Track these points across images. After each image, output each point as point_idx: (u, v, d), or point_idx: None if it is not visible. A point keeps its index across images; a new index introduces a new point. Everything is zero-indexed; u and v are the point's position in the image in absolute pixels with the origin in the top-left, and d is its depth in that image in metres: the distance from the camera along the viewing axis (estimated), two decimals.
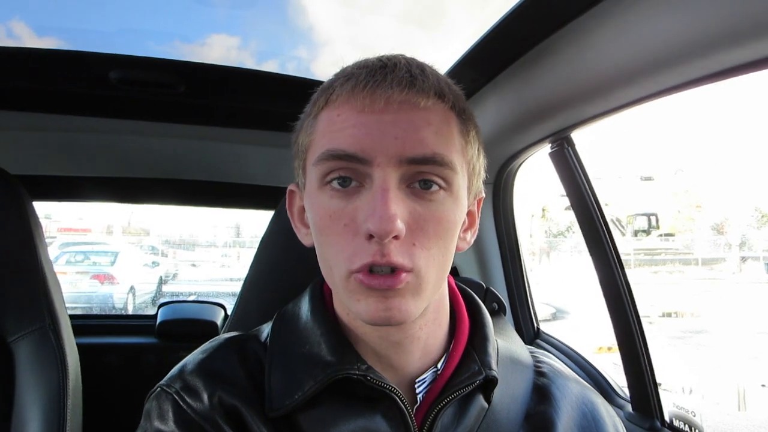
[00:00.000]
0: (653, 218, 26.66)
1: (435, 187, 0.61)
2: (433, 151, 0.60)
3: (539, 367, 0.79)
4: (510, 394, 0.73)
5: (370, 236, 0.57)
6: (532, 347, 0.86)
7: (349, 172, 0.60)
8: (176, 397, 0.65)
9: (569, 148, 1.31)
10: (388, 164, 0.59)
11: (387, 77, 0.60)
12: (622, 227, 25.48)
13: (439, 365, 0.70)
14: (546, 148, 1.38)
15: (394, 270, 0.58)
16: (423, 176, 0.60)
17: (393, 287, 0.58)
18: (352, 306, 0.61)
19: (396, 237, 0.57)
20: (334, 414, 0.65)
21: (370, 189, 0.59)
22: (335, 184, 0.61)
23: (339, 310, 0.71)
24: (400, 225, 0.57)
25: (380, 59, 0.64)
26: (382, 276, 0.58)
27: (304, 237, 0.72)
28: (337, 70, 0.67)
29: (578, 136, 1.31)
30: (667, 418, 1.22)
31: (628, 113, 1.10)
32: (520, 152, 1.49)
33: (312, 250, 0.69)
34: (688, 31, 0.79)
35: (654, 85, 0.95)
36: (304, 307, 0.74)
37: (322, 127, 0.63)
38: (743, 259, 23.25)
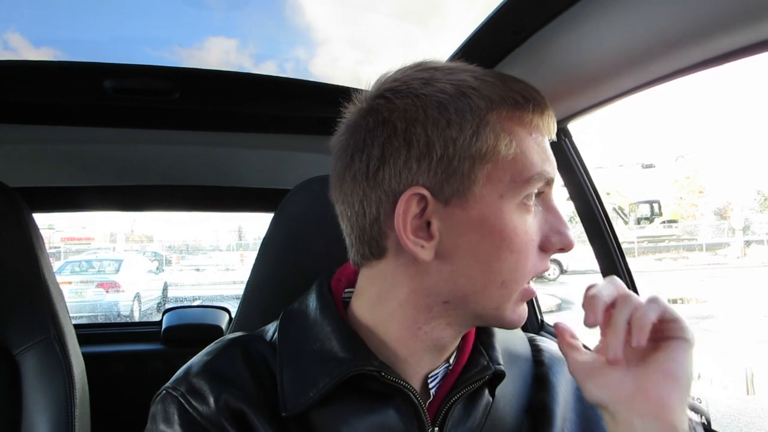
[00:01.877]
0: (656, 205, 26.59)
1: None
2: None
3: (538, 356, 0.81)
4: (511, 386, 0.74)
5: (560, 249, 0.65)
6: (532, 335, 0.87)
7: (539, 191, 0.65)
8: (182, 400, 0.65)
9: (566, 139, 1.31)
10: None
11: (547, 107, 0.65)
12: (625, 215, 25.44)
13: (451, 360, 0.71)
14: None
15: None
16: None
17: None
18: (507, 315, 0.65)
19: None
20: (347, 411, 0.65)
21: (544, 207, 0.66)
22: (531, 201, 0.64)
23: (365, 311, 0.70)
24: None
25: (526, 85, 0.66)
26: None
27: (425, 251, 0.63)
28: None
29: (575, 127, 1.31)
30: None
31: (625, 101, 1.10)
32: None
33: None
34: (681, 18, 0.79)
35: (649, 73, 0.95)
36: (312, 304, 0.73)
37: (523, 143, 0.63)
38: (747, 243, 23.22)
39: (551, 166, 0.64)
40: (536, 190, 0.63)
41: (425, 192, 0.61)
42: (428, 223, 0.63)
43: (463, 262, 0.62)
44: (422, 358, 0.68)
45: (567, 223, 0.65)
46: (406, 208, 0.62)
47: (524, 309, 0.67)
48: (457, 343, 0.70)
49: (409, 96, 0.63)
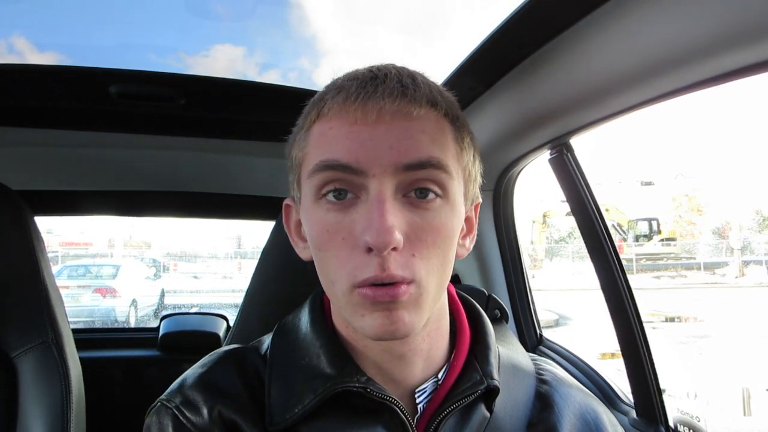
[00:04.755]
0: (654, 223, 26.64)
1: (431, 195, 0.60)
2: (428, 155, 0.60)
3: (541, 374, 0.79)
4: (512, 402, 0.73)
5: (369, 249, 0.57)
6: (534, 354, 0.86)
7: (344, 184, 0.60)
8: (176, 412, 0.65)
9: (568, 154, 1.31)
10: (384, 174, 0.58)
11: (378, 88, 0.60)
12: (623, 233, 25.47)
13: (440, 375, 0.70)
14: (545, 155, 1.38)
15: (394, 282, 0.58)
16: (419, 184, 0.60)
17: (397, 298, 0.57)
18: (356, 321, 0.60)
19: (395, 249, 0.57)
20: (334, 427, 0.65)
21: (365, 201, 0.59)
22: (331, 196, 0.60)
23: (338, 323, 0.71)
24: (398, 236, 0.56)
25: (371, 70, 0.63)
26: (386, 287, 0.57)
27: (302, 251, 0.72)
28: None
29: (577, 143, 1.31)
30: (671, 424, 1.22)
31: (627, 118, 1.11)
32: (520, 159, 1.50)
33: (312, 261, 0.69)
34: (685, 36, 0.79)
35: (652, 90, 0.95)
36: (304, 318, 0.73)
37: (315, 140, 0.63)
38: (745, 263, 23.21)
39: (347, 155, 0.59)
40: (335, 185, 0.60)
41: (290, 201, 0.73)
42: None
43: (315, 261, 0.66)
44: (379, 359, 0.67)
45: (376, 217, 0.56)
46: (285, 213, 0.75)
47: (379, 318, 0.58)
48: (406, 347, 0.66)
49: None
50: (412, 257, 0.59)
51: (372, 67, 0.64)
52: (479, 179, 0.71)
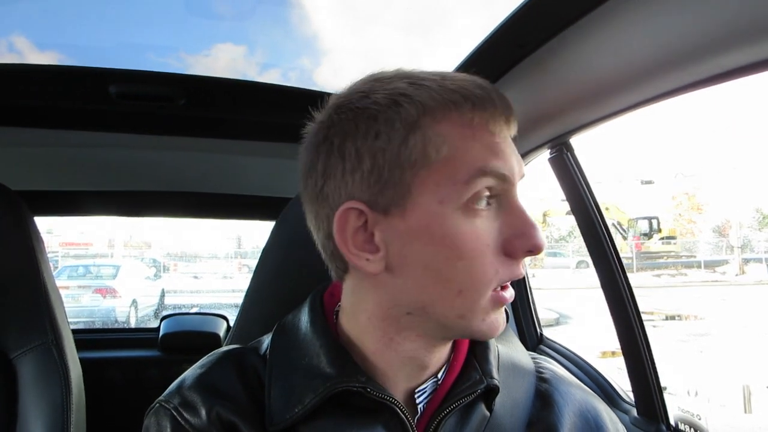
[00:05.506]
0: (654, 222, 26.65)
1: None
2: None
3: (541, 373, 0.79)
4: (512, 401, 0.73)
5: (528, 251, 0.61)
6: (534, 353, 0.85)
7: (493, 192, 0.61)
8: (174, 413, 0.65)
9: (568, 153, 1.31)
10: (517, 184, 0.64)
11: (504, 103, 0.64)
12: (624, 231, 25.48)
13: (439, 375, 0.70)
14: (545, 154, 1.38)
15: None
16: None
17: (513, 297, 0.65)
18: (475, 324, 0.62)
19: None
20: (334, 427, 0.64)
21: (505, 207, 0.63)
22: (482, 203, 0.61)
23: (347, 325, 0.70)
24: None
25: (478, 82, 0.64)
26: (508, 289, 0.64)
27: (369, 264, 0.63)
28: (339, 79, 0.67)
29: (577, 142, 1.31)
30: (672, 422, 1.22)
31: (627, 117, 1.11)
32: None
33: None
34: (685, 35, 0.79)
35: (652, 89, 0.95)
36: (304, 318, 0.73)
37: (457, 143, 0.61)
38: (746, 261, 23.23)
39: (500, 163, 0.61)
40: (487, 192, 0.60)
41: (360, 205, 0.61)
42: (373, 235, 0.63)
43: (413, 272, 0.62)
44: (401, 370, 0.68)
45: (533, 223, 0.62)
46: (342, 222, 0.62)
47: (498, 318, 0.63)
48: (438, 355, 0.69)
49: (346, 111, 0.63)
50: None
51: (475, 79, 0.65)
52: None
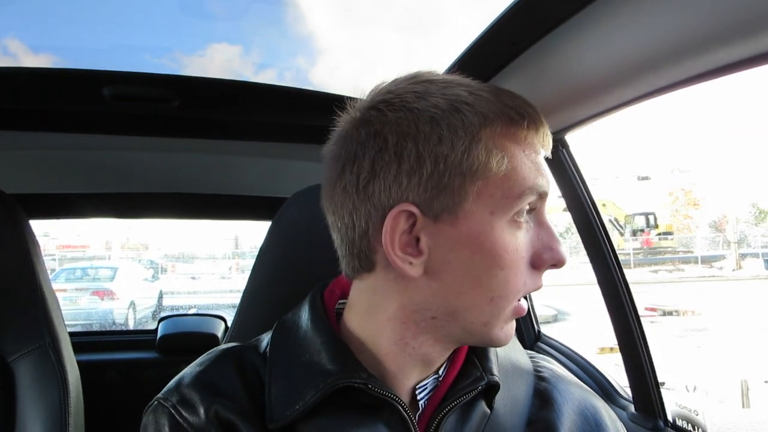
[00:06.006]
0: (651, 217, 26.71)
1: None
2: None
3: (539, 372, 0.79)
4: (511, 399, 0.73)
5: (553, 265, 0.65)
6: (532, 352, 0.86)
7: (532, 207, 0.64)
8: (173, 411, 0.65)
9: (564, 150, 1.31)
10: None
11: (542, 124, 0.65)
12: (621, 227, 25.53)
13: (440, 372, 0.70)
14: None
15: None
16: None
17: None
18: (495, 332, 0.65)
19: None
20: (335, 424, 0.64)
21: (535, 222, 0.65)
22: (523, 218, 0.63)
23: (357, 324, 0.70)
24: None
25: (523, 100, 0.65)
26: (524, 300, 0.66)
27: (413, 267, 0.63)
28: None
29: (573, 138, 1.31)
30: (670, 418, 1.22)
31: (622, 113, 1.11)
32: None
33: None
34: (679, 31, 0.80)
35: (646, 85, 0.95)
36: (304, 316, 0.73)
37: (516, 159, 0.62)
38: (742, 256, 23.29)
39: (544, 181, 0.64)
40: (528, 207, 0.63)
41: (414, 209, 0.61)
42: (417, 239, 0.62)
43: (452, 278, 0.62)
44: (411, 371, 0.68)
45: (559, 238, 0.65)
46: (394, 224, 0.61)
47: (512, 327, 0.67)
48: (446, 356, 0.70)
49: (402, 109, 0.62)
50: None
51: (513, 94, 0.66)
52: None
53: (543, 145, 0.66)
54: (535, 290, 0.66)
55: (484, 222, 0.61)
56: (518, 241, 0.62)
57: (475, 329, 0.64)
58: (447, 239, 0.61)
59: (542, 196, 0.64)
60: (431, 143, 0.60)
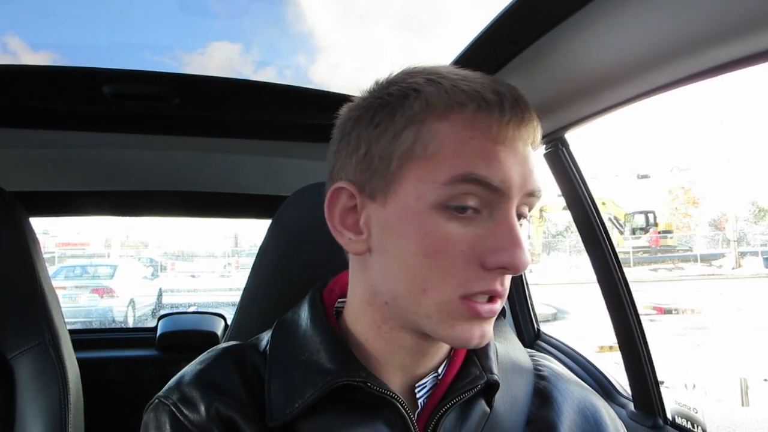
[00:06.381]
0: (651, 216, 26.71)
1: (524, 220, 0.64)
2: (540, 185, 0.63)
3: (539, 370, 0.79)
4: (511, 398, 0.73)
5: (501, 268, 0.59)
6: (532, 350, 0.86)
7: (477, 201, 0.59)
8: (173, 409, 0.65)
9: (563, 148, 1.31)
10: (515, 198, 0.60)
11: (517, 110, 0.61)
12: (621, 226, 25.53)
13: (440, 370, 0.70)
14: (540, 150, 1.38)
15: (491, 298, 0.61)
16: (523, 208, 0.63)
17: (494, 314, 0.62)
18: (443, 330, 0.61)
19: None
20: (335, 422, 0.64)
21: (491, 218, 0.60)
22: (468, 211, 0.59)
23: (345, 313, 0.71)
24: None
25: (497, 86, 0.62)
26: (488, 303, 0.61)
27: (350, 243, 0.66)
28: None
29: (572, 137, 1.31)
30: (669, 416, 1.22)
31: (622, 111, 1.11)
32: None
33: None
34: (678, 29, 0.80)
35: (646, 83, 0.95)
36: (304, 315, 0.73)
37: (448, 143, 0.60)
38: (742, 254, 23.29)
39: (494, 173, 0.58)
40: (473, 200, 0.59)
41: (349, 186, 0.65)
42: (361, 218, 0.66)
43: (388, 261, 0.63)
44: (394, 358, 0.68)
45: (518, 241, 0.59)
46: (333, 199, 0.66)
47: (472, 329, 0.61)
48: (432, 348, 0.68)
49: (367, 98, 0.66)
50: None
51: (497, 83, 0.63)
52: None
53: (505, 133, 0.60)
54: (488, 293, 0.60)
55: (410, 206, 0.60)
56: (449, 232, 0.59)
57: (420, 321, 0.62)
58: (380, 220, 0.63)
59: (492, 188, 0.59)
60: (370, 127, 0.63)
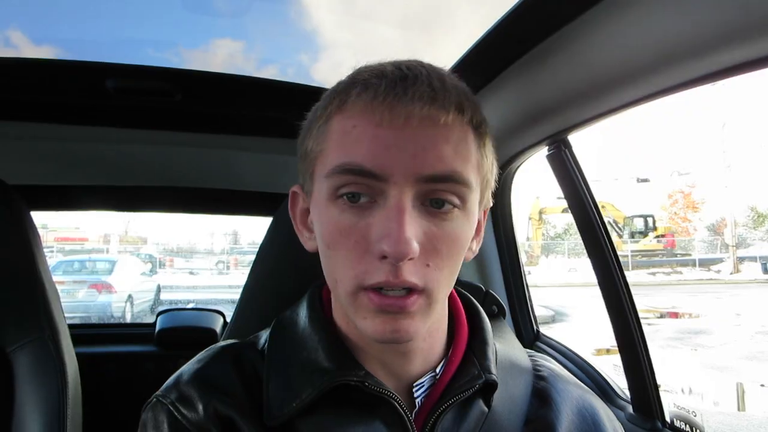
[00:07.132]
0: (650, 220, 26.71)
1: (448, 206, 0.59)
2: (452, 169, 0.58)
3: (538, 370, 0.79)
4: (510, 398, 0.72)
5: (383, 256, 0.56)
6: (531, 351, 0.85)
7: (362, 188, 0.58)
8: (171, 408, 0.65)
9: (566, 150, 1.31)
10: (405, 182, 0.57)
11: (408, 90, 0.57)
12: (619, 229, 25.54)
13: (437, 370, 0.70)
14: (543, 151, 1.38)
15: (406, 290, 0.58)
16: (438, 195, 0.59)
17: (405, 309, 0.58)
18: (359, 322, 0.61)
19: (410, 258, 0.56)
20: (333, 421, 0.64)
21: (383, 206, 0.58)
22: (346, 198, 0.59)
23: (339, 318, 0.71)
24: (415, 247, 0.55)
25: (399, 68, 0.60)
26: (395, 297, 0.58)
27: (307, 241, 0.72)
28: (337, 74, 0.67)
29: (575, 139, 1.31)
30: (668, 419, 1.22)
31: (625, 114, 1.11)
32: (518, 155, 1.50)
33: (312, 256, 0.69)
34: (682, 33, 0.80)
35: (650, 86, 0.95)
36: (302, 313, 0.73)
37: (336, 136, 0.61)
38: (740, 259, 23.30)
39: (370, 159, 0.57)
40: (352, 188, 0.58)
41: (298, 189, 0.72)
42: None
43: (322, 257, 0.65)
44: (386, 358, 0.68)
45: (396, 227, 0.55)
46: (291, 201, 0.74)
47: (382, 324, 0.59)
48: (422, 344, 0.68)
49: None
50: (426, 267, 0.58)
51: (400, 64, 0.61)
52: (493, 184, 0.70)
53: (391, 116, 0.57)
54: (389, 285, 0.57)
55: (318, 201, 0.64)
56: (340, 222, 0.59)
57: (348, 314, 0.63)
58: (313, 217, 0.67)
59: (368, 174, 0.57)
60: (306, 130, 0.68)
